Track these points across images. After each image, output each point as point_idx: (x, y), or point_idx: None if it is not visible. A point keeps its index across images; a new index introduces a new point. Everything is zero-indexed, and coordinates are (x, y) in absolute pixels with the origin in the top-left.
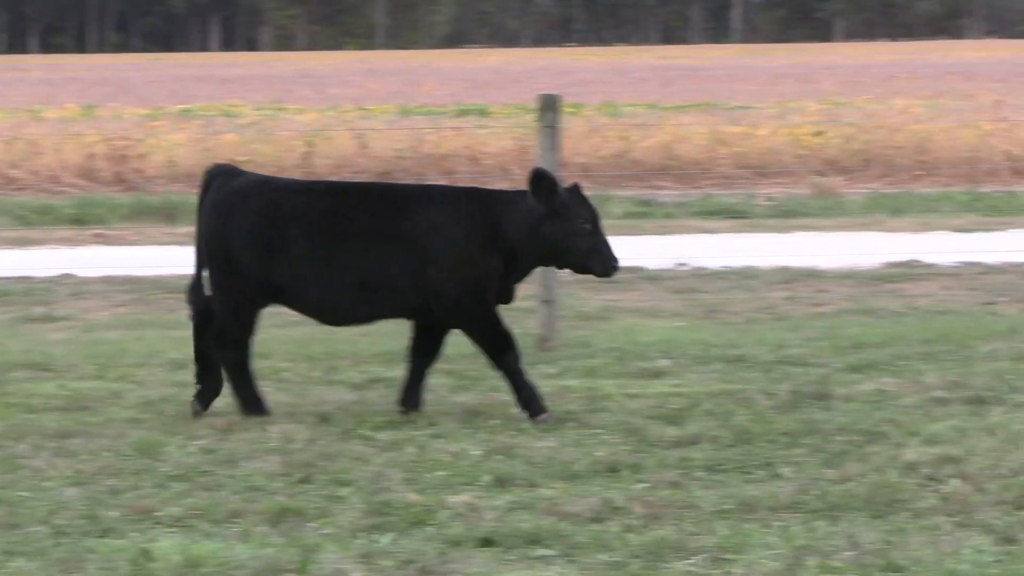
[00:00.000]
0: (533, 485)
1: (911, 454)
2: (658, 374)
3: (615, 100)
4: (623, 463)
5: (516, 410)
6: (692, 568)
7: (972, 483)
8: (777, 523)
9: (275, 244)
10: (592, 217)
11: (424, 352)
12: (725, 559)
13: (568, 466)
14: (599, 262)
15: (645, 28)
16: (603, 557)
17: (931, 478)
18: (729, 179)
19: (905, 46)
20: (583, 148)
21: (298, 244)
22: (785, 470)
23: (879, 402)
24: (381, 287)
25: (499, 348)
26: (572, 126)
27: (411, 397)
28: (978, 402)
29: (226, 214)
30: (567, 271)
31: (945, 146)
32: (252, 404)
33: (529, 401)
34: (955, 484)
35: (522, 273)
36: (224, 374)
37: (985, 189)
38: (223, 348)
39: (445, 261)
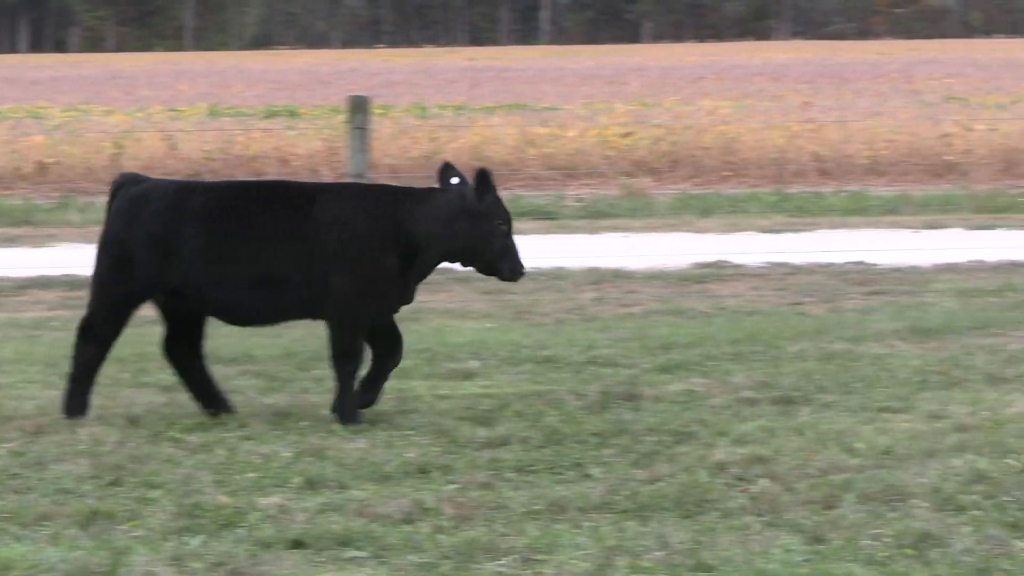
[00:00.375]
0: (343, 487)
1: (720, 454)
2: (468, 375)
3: (424, 101)
4: (433, 464)
5: (330, 413)
6: (503, 569)
7: (781, 483)
8: (587, 523)
9: (173, 244)
10: (508, 220)
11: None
12: (535, 560)
13: (379, 467)
14: (508, 265)
15: (454, 29)
16: (414, 558)
17: (740, 478)
18: (538, 180)
19: (713, 47)
20: (392, 149)
21: (197, 243)
22: (595, 470)
23: (688, 402)
24: (282, 285)
25: (352, 354)
26: (381, 127)
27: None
28: (786, 402)
29: (128, 217)
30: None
31: (753, 147)
32: (78, 406)
33: (348, 413)
34: (764, 484)
35: (425, 271)
36: (71, 362)
37: (792, 190)
38: (84, 341)
39: (345, 259)
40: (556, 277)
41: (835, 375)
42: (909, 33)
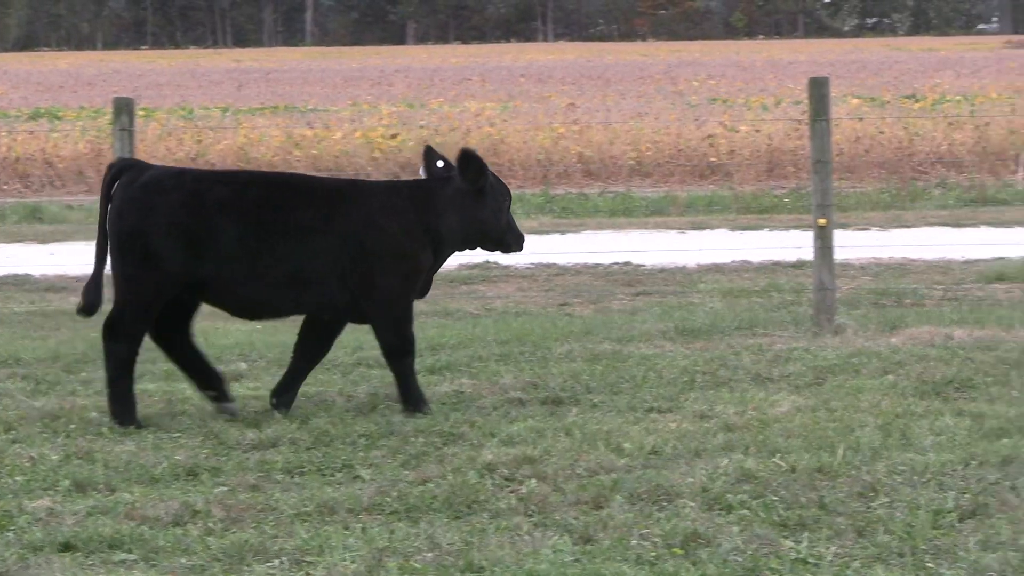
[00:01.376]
0: (112, 489)
1: (489, 455)
2: (237, 377)
3: (189, 103)
4: (202, 466)
5: (400, 407)
6: (273, 571)
7: (550, 483)
8: (357, 525)
9: (202, 237)
10: (508, 194)
11: (313, 351)
12: (306, 561)
13: (147, 470)
14: (515, 238)
15: (218, 31)
16: (184, 561)
17: (509, 479)
18: None
19: (478, 49)
20: (158, 151)
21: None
22: (365, 472)
23: (457, 403)
24: (312, 281)
25: (406, 349)
26: (146, 129)
27: (288, 393)
28: (555, 403)
29: (145, 208)
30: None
31: (519, 148)
32: (123, 405)
33: (416, 401)
34: (533, 485)
35: (444, 261)
36: (105, 363)
37: (558, 191)
38: (116, 340)
39: (381, 256)
40: None
41: (603, 375)
42: (672, 35)
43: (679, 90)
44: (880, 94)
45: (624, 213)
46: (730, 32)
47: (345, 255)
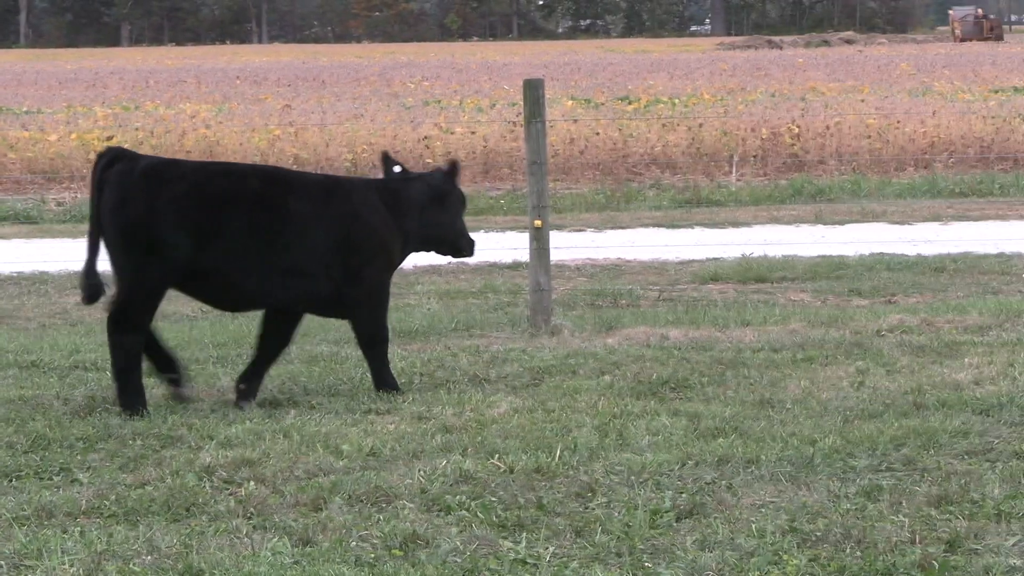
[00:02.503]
0: None
1: (207, 457)
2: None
3: None
4: None
5: (375, 390)
6: None
7: (269, 485)
8: (76, 528)
9: (207, 228)
10: (464, 201)
11: (277, 339)
12: (24, 565)
13: None
14: (467, 243)
15: None
16: None
17: (228, 481)
18: (20, 184)
19: (193, 51)
20: None
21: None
22: (82, 475)
23: (174, 406)
24: (304, 273)
25: (383, 337)
26: None
27: (252, 386)
28: (273, 405)
29: (147, 199)
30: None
31: (235, 150)
32: (133, 395)
33: (389, 382)
34: (252, 487)
35: (403, 260)
36: (112, 356)
37: None
38: (122, 332)
39: (365, 248)
40: (39, 281)
41: (320, 377)
42: (387, 36)
43: (394, 92)
44: (594, 96)
45: None
46: (445, 34)
47: (332, 247)
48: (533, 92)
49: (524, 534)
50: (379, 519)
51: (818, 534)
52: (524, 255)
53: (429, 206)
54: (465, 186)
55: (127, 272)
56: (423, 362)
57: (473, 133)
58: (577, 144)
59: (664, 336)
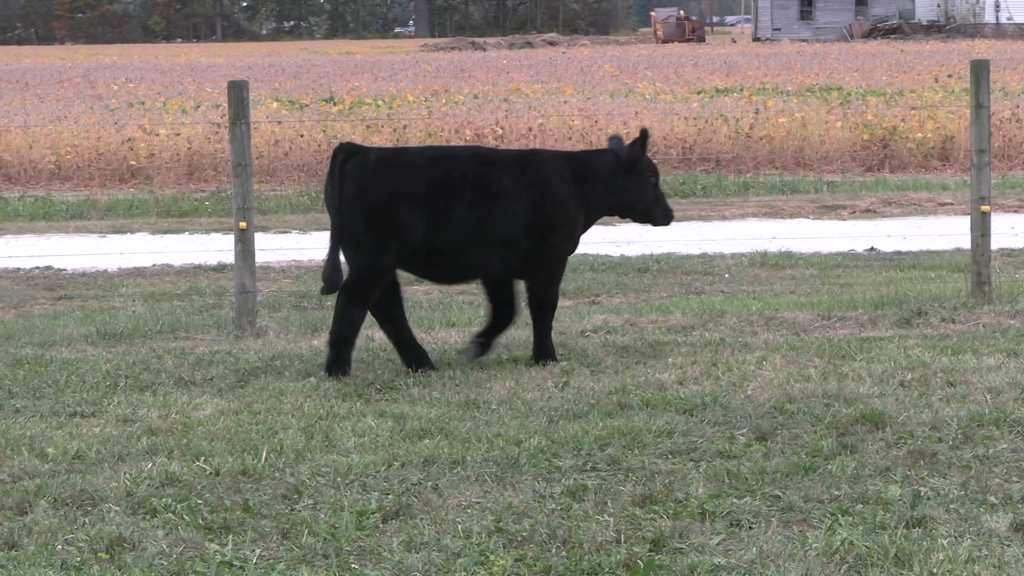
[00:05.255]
0: None
1: None
2: None
3: None
4: None
5: (532, 359)
6: None
7: None
8: None
9: (438, 209)
10: (656, 172)
11: (505, 305)
12: None
13: None
14: (661, 212)
15: None
16: None
17: None
18: None
19: None
20: None
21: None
22: None
23: None
24: (511, 242)
25: (552, 304)
26: None
27: (485, 344)
28: None
29: (386, 183)
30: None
31: None
32: (342, 363)
33: (549, 352)
34: None
35: (591, 225)
36: (335, 321)
37: None
38: (351, 303)
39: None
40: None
41: (25, 380)
42: (91, 38)
43: (98, 94)
44: (299, 97)
45: (44, 217)
46: (149, 36)
47: (528, 217)
48: (237, 94)
49: (231, 536)
50: (85, 522)
51: (524, 534)
52: (229, 257)
53: (616, 176)
54: (169, 188)
55: (366, 251)
56: (128, 364)
57: (178, 135)
58: (282, 146)
59: (370, 338)
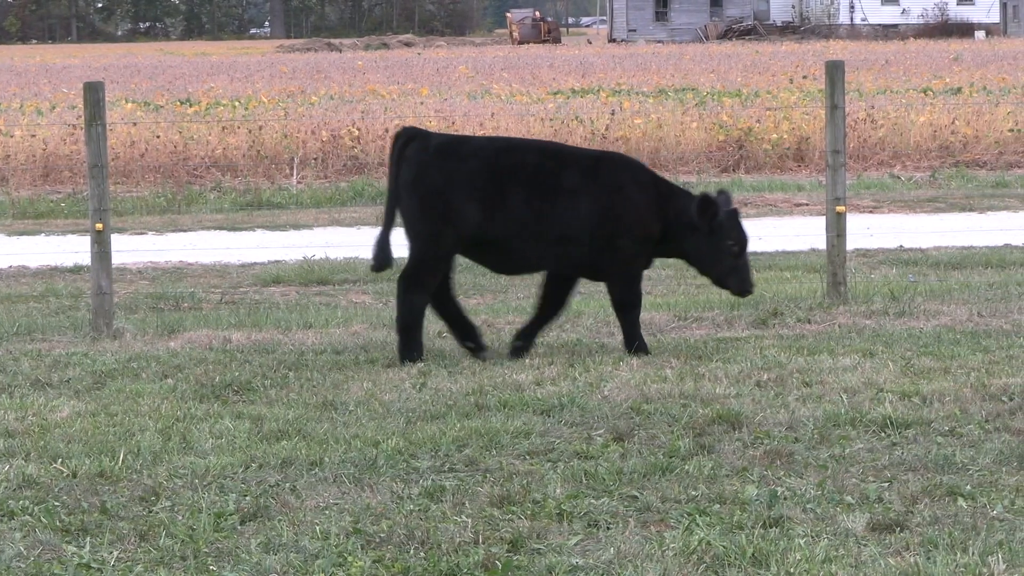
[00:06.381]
0: None
1: None
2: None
3: None
4: None
5: (625, 352)
6: None
7: None
8: None
9: (497, 199)
10: (741, 241)
11: (554, 304)
12: None
13: None
14: (737, 282)
15: None
16: None
17: None
18: None
19: None
20: None
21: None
22: None
23: None
24: (573, 239)
25: (635, 303)
26: None
27: (528, 338)
28: None
29: (446, 172)
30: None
31: None
32: (413, 349)
33: (639, 346)
34: None
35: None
36: (398, 310)
37: None
38: (411, 291)
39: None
40: None
41: None
42: None
43: None
44: (154, 98)
45: None
46: (3, 37)
47: (595, 217)
48: (93, 95)
49: (88, 539)
50: None
51: (382, 535)
52: (86, 258)
53: (690, 227)
54: (25, 189)
55: (422, 238)
56: None
57: (33, 136)
58: (138, 147)
59: (227, 339)
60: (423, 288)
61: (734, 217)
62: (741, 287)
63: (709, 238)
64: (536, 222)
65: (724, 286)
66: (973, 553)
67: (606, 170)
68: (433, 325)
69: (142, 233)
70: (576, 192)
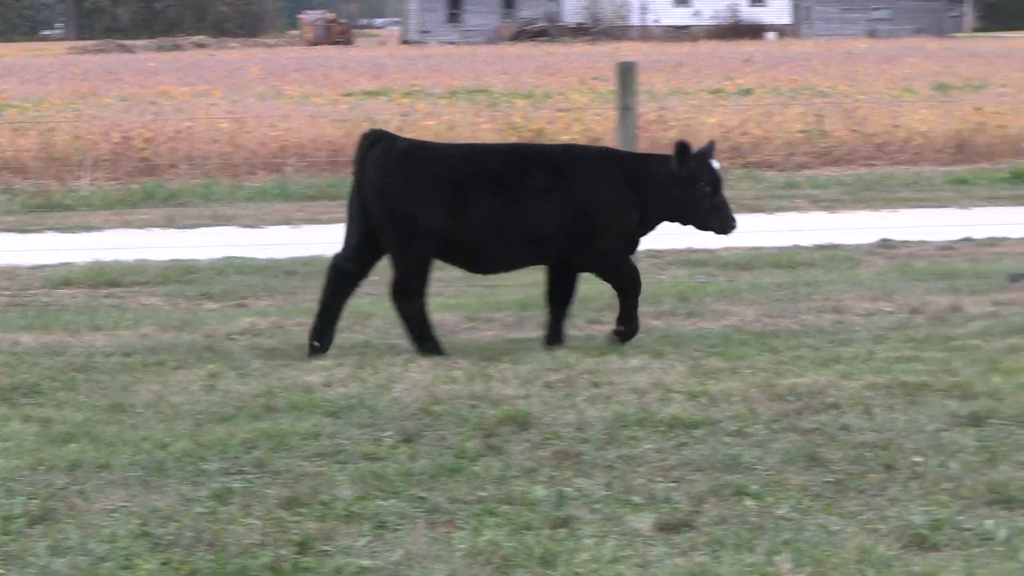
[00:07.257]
0: None
1: None
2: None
3: None
4: None
5: (616, 336)
6: None
7: None
8: None
9: (458, 203)
10: (713, 181)
11: (561, 296)
12: None
13: None
14: (719, 221)
15: None
16: None
17: None
18: None
19: None
20: None
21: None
22: None
23: None
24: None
25: (629, 287)
26: None
27: (555, 335)
28: None
29: (410, 179)
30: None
31: None
32: (432, 347)
33: (633, 330)
34: None
35: (651, 229)
36: (404, 324)
37: None
38: (405, 299)
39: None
40: None
41: None
42: None
43: None
44: None
45: None
46: None
47: (568, 215)
48: None
49: None
50: None
51: (170, 538)
52: None
53: (669, 185)
54: None
55: (396, 247)
56: None
57: None
58: None
59: (15, 341)
60: (415, 295)
61: (702, 157)
62: (723, 225)
63: (684, 186)
64: (506, 224)
65: (707, 228)
66: (760, 552)
67: (571, 166)
68: (223, 327)
69: None
70: (547, 191)
